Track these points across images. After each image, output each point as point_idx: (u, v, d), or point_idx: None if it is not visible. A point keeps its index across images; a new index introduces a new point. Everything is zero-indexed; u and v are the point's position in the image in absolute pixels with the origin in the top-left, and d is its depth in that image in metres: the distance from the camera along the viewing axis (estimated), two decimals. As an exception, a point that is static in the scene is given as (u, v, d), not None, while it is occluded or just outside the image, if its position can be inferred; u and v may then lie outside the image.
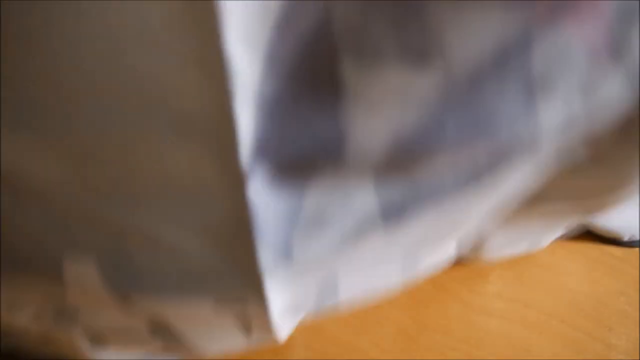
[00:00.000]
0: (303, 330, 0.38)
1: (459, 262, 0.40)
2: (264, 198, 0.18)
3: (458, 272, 0.40)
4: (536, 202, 0.26)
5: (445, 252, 0.29)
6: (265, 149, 0.17)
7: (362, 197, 0.20)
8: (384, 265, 0.24)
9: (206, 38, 0.13)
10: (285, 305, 0.23)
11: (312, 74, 0.15)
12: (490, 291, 0.40)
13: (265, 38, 0.14)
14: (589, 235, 0.42)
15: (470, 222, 0.25)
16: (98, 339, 0.23)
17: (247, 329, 0.23)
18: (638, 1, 0.15)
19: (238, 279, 0.19)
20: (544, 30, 0.15)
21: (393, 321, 0.39)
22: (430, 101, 0.16)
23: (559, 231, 0.38)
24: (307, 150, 0.18)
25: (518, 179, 0.20)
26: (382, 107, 0.16)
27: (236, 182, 0.17)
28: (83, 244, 0.19)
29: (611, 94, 0.17)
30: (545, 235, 0.38)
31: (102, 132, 0.15)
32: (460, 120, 0.17)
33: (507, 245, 0.37)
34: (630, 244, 0.39)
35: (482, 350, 0.38)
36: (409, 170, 0.19)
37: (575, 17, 0.15)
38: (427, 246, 0.25)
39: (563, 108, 0.17)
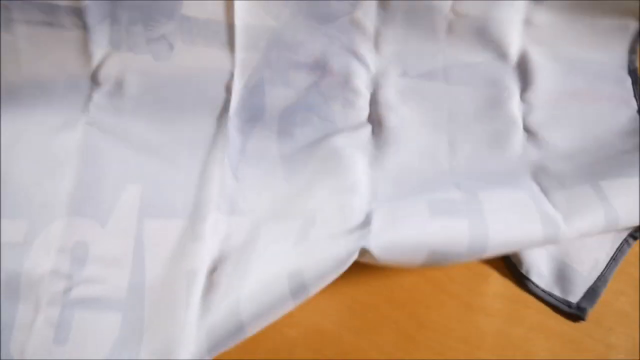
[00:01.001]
0: (303, 330, 0.38)
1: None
2: (234, 135, 0.43)
3: (458, 272, 0.40)
4: None
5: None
6: (238, 109, 0.44)
7: (271, 148, 0.43)
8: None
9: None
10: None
11: (254, 89, 0.45)
12: (490, 291, 0.40)
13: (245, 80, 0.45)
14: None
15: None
16: None
17: None
18: None
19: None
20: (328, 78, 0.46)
21: (393, 321, 0.39)
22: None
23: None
24: (252, 113, 0.44)
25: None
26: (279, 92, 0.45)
27: (225, 120, 0.43)
28: None
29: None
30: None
31: None
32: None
33: None
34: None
35: (482, 350, 0.38)
36: (289, 133, 0.44)
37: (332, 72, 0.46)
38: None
39: None
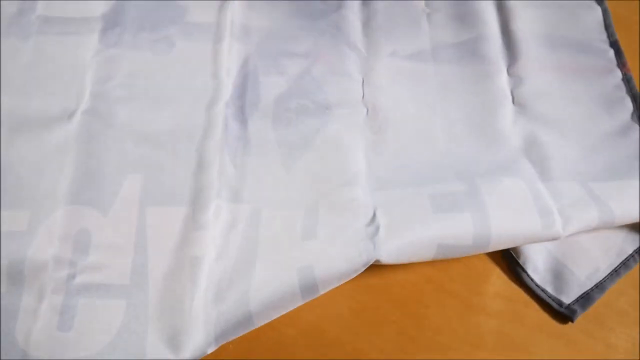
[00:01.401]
0: (303, 330, 0.38)
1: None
2: (231, 122, 0.44)
3: (458, 272, 0.41)
4: None
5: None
6: (234, 97, 0.46)
7: (267, 135, 0.44)
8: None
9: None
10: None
11: (248, 77, 0.47)
12: (490, 291, 0.40)
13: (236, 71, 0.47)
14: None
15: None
16: None
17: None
18: None
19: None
20: (320, 64, 0.47)
21: (393, 321, 0.39)
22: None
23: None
24: (248, 100, 0.45)
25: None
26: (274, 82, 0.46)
27: (221, 108, 0.44)
28: None
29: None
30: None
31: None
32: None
33: None
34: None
35: (482, 350, 0.38)
36: (285, 119, 0.44)
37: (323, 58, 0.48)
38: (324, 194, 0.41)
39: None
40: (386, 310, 0.39)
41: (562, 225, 0.38)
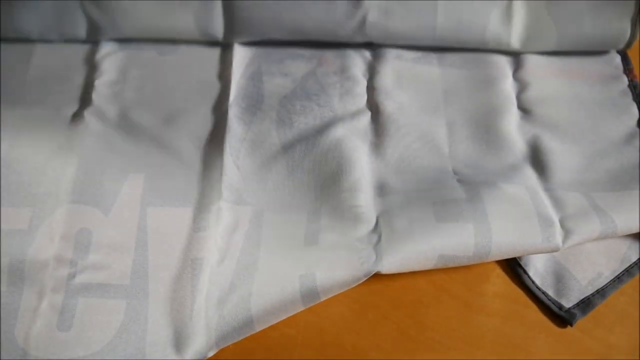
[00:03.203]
0: (303, 330, 0.38)
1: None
2: (234, 123, 0.44)
3: (458, 272, 0.40)
4: None
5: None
6: (238, 98, 0.45)
7: (271, 136, 0.43)
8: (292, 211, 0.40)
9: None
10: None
11: (253, 78, 0.47)
12: (490, 291, 0.40)
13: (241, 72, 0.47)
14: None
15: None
16: None
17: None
18: None
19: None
20: (325, 66, 0.48)
21: (393, 321, 0.39)
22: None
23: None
24: (252, 101, 0.45)
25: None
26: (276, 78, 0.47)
27: (225, 109, 0.44)
28: None
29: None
30: None
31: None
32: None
33: None
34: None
35: (482, 350, 0.38)
36: (289, 121, 0.44)
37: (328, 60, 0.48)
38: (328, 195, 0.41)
39: None
40: (386, 310, 0.39)
41: (562, 239, 0.37)
